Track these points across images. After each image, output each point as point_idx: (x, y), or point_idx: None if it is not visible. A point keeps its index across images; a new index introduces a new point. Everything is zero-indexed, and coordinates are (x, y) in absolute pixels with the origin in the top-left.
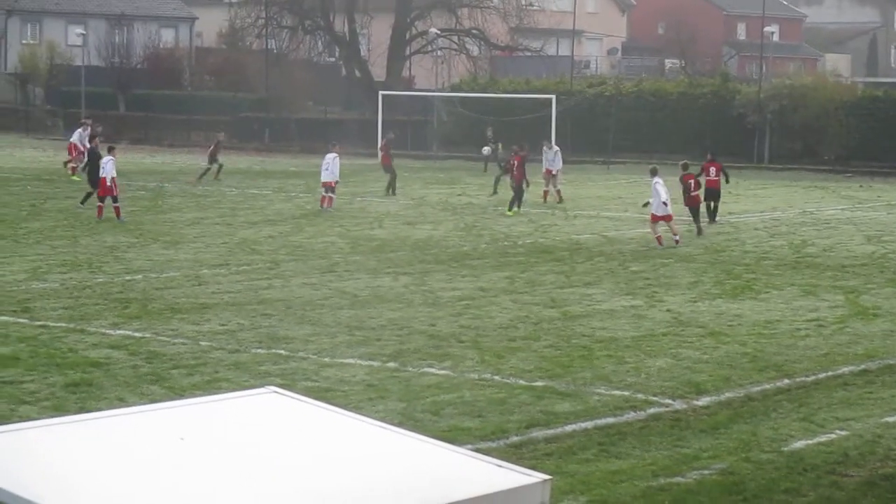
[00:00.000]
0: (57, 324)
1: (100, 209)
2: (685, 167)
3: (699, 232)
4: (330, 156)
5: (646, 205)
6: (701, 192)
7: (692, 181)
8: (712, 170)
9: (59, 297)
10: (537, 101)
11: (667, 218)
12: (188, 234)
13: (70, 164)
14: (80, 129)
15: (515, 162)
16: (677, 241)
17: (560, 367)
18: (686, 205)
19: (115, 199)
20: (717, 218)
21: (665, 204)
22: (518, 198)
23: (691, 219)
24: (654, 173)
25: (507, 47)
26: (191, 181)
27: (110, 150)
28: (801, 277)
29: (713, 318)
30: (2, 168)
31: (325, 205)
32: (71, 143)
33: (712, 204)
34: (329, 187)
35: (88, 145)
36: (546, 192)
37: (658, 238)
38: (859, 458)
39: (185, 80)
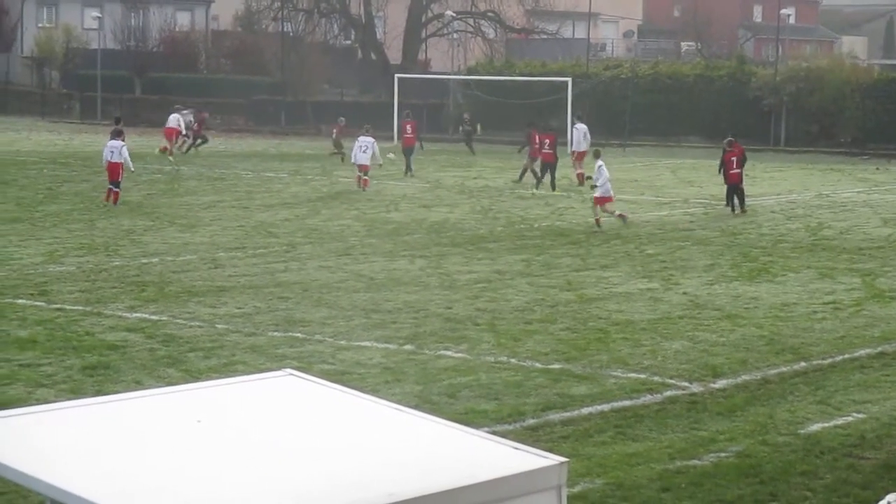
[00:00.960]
0: (74, 307)
1: (116, 195)
2: (730, 144)
3: (734, 210)
4: (368, 140)
5: (593, 188)
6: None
7: (734, 158)
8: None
9: (75, 281)
10: (553, 83)
11: (608, 199)
12: (204, 217)
13: (167, 147)
14: (176, 114)
15: (547, 141)
16: (623, 217)
17: (576, 350)
18: (726, 183)
19: (117, 185)
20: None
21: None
22: (541, 176)
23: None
24: (597, 155)
25: (523, 30)
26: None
27: (119, 135)
28: (817, 260)
29: (730, 301)
30: (18, 151)
31: (363, 186)
32: (168, 128)
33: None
34: (365, 170)
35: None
36: (581, 175)
37: (597, 220)
38: (876, 440)
39: (201, 63)
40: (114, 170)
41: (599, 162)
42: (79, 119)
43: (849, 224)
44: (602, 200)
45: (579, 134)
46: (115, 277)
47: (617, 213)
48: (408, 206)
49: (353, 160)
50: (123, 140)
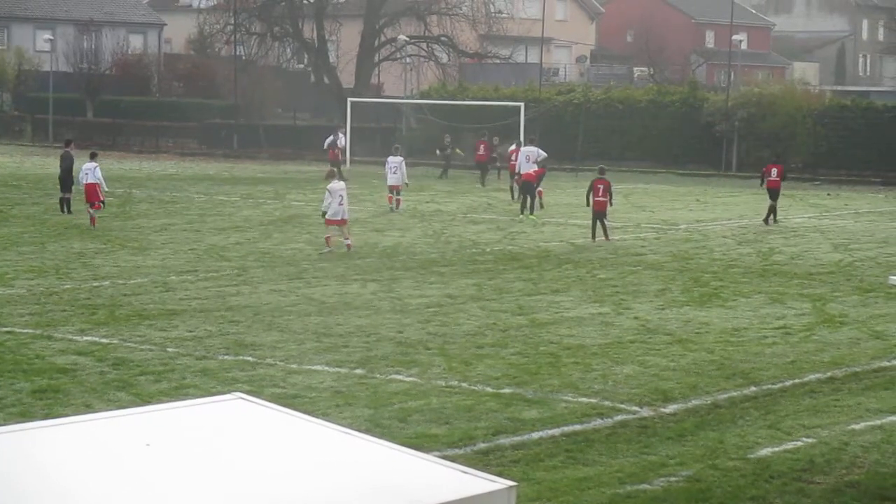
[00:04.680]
0: (24, 330)
1: (93, 219)
2: (601, 171)
3: (594, 238)
4: (397, 159)
5: (324, 214)
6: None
7: (774, 168)
8: (774, 171)
9: (25, 304)
10: (506, 108)
11: (341, 222)
12: (156, 240)
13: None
14: (332, 137)
15: (482, 146)
16: (349, 245)
17: (527, 375)
18: (766, 186)
19: (93, 206)
20: (776, 219)
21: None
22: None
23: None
24: (332, 176)
25: (476, 54)
26: None
27: (93, 157)
28: (768, 285)
29: (680, 326)
30: None
31: (396, 206)
32: (330, 150)
33: (772, 203)
34: (397, 190)
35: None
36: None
37: (327, 239)
38: (825, 465)
39: (154, 86)
40: (90, 191)
41: (332, 184)
42: (30, 141)
43: (799, 249)
44: (331, 222)
45: (522, 156)
46: (66, 300)
47: (348, 241)
48: (360, 230)
49: (386, 181)
50: (96, 161)
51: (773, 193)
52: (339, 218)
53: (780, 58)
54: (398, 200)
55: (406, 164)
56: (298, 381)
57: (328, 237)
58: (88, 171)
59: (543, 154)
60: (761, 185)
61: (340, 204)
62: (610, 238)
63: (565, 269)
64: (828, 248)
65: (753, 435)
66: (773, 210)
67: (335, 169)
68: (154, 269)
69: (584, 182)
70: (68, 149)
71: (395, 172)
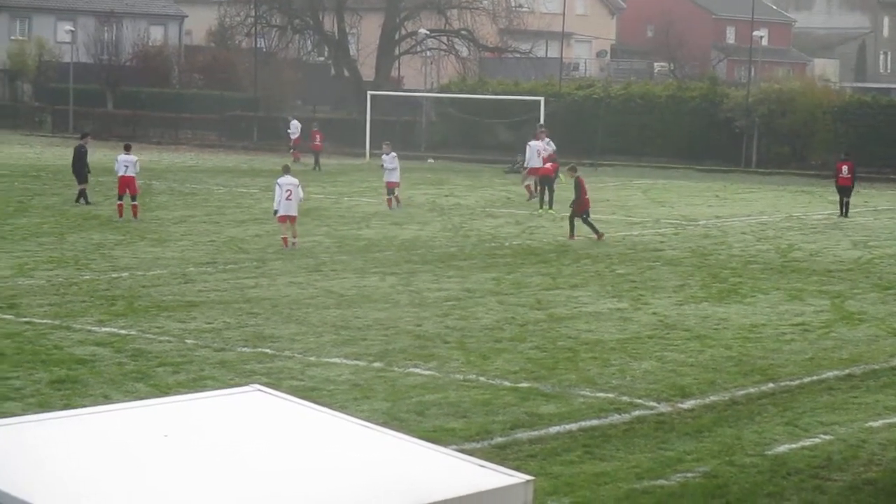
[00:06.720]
0: (42, 320)
1: (135, 207)
2: (844, 154)
3: (842, 214)
4: (392, 155)
5: (275, 212)
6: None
7: (845, 166)
8: (845, 168)
9: (45, 294)
10: (526, 102)
11: (291, 219)
12: (175, 232)
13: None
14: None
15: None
16: (295, 244)
17: (545, 369)
18: (838, 184)
19: (134, 198)
20: (849, 213)
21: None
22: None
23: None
24: (285, 171)
25: (497, 49)
26: None
27: (129, 149)
28: (786, 282)
29: (699, 322)
30: None
31: (394, 206)
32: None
33: (844, 199)
34: (395, 187)
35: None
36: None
37: (284, 239)
38: (843, 462)
39: (174, 77)
40: (130, 183)
41: (281, 178)
42: (50, 132)
43: (818, 246)
44: (281, 219)
45: (532, 151)
46: (85, 291)
47: (294, 240)
48: (379, 224)
49: (385, 178)
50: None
51: (846, 190)
52: (285, 213)
53: (800, 54)
54: (397, 199)
55: (425, 157)
56: (316, 374)
57: (284, 237)
58: (129, 163)
59: (552, 147)
60: (836, 184)
61: (288, 199)
62: (574, 237)
63: (584, 264)
64: (847, 245)
65: (771, 431)
66: (845, 205)
67: (288, 165)
68: (173, 261)
69: (604, 177)
70: (83, 142)
71: (394, 169)
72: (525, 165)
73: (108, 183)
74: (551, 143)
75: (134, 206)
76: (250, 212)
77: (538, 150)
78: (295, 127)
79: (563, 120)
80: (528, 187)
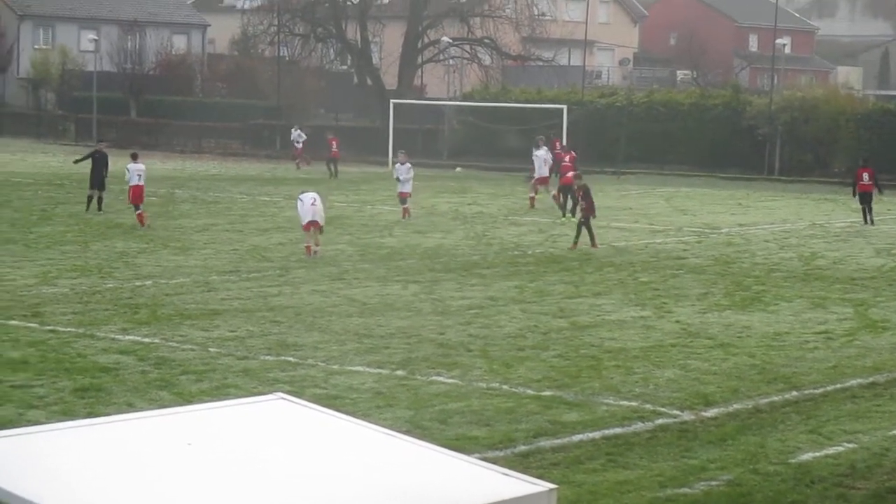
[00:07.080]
0: (66, 329)
1: (141, 216)
2: (863, 161)
3: (865, 222)
4: (408, 166)
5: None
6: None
7: (865, 173)
8: (865, 175)
9: (68, 302)
10: (548, 110)
11: (316, 226)
12: (198, 240)
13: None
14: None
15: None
16: (317, 252)
17: (568, 377)
18: (858, 191)
19: (137, 207)
20: (872, 220)
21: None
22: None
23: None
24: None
25: (519, 57)
26: None
27: (136, 158)
28: (810, 290)
29: (722, 330)
30: (13, 172)
31: (407, 216)
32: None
33: (866, 206)
34: (406, 198)
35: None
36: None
37: (307, 248)
38: (867, 470)
39: (197, 86)
40: (140, 193)
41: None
42: (74, 141)
43: (842, 254)
44: (310, 226)
45: (540, 161)
46: (109, 300)
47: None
48: (402, 232)
49: (399, 189)
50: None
51: (867, 197)
52: (311, 220)
53: (823, 62)
54: (407, 210)
55: (448, 166)
56: (340, 382)
57: (308, 245)
58: (140, 172)
59: (550, 157)
60: (854, 194)
61: (313, 205)
62: (597, 245)
63: (607, 272)
64: (870, 253)
65: (794, 440)
66: (867, 212)
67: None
68: (196, 269)
69: (627, 185)
70: (100, 148)
71: (410, 179)
72: (533, 175)
73: (116, 191)
74: (549, 152)
75: (137, 214)
76: (273, 220)
77: (545, 159)
78: (298, 136)
79: (585, 128)
80: (554, 197)
